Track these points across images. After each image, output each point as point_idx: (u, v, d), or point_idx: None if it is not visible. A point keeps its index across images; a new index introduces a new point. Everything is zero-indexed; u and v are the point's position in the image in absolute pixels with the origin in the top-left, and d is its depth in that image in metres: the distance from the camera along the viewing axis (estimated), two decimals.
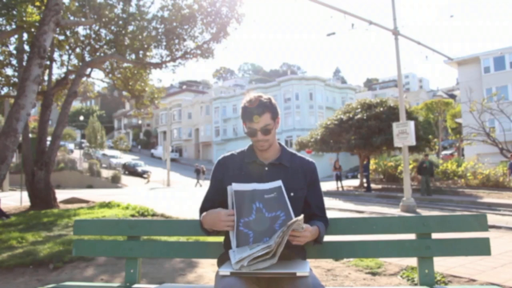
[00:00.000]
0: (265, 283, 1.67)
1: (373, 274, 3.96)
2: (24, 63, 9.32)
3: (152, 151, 56.58)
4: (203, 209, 2.04)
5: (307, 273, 1.57)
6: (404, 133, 11.90)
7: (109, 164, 37.38)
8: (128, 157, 45.95)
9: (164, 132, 57.78)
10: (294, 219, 1.64)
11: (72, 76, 12.18)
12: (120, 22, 12.58)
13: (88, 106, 70.61)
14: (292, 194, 1.87)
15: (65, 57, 13.38)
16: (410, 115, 19.42)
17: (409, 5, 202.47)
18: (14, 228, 6.88)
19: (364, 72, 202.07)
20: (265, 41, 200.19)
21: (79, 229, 2.38)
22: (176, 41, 12.58)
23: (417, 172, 17.58)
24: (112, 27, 12.78)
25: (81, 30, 13.29)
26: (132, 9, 12.81)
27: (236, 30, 12.55)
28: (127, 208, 9.29)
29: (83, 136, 47.80)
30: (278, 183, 1.83)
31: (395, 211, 11.84)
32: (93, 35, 12.98)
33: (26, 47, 11.25)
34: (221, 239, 2.06)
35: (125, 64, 13.73)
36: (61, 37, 12.25)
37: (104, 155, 41.05)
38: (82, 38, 13.17)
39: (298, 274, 1.56)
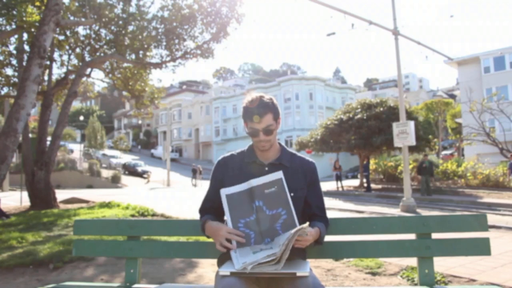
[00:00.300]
0: (265, 283, 1.67)
1: (373, 274, 3.96)
2: (24, 63, 9.32)
3: (152, 151, 56.59)
4: (203, 209, 2.04)
5: (307, 273, 1.57)
6: (404, 133, 11.90)
7: (109, 164, 37.38)
8: (128, 157, 45.95)
9: (164, 132, 57.79)
10: (299, 227, 1.61)
11: (72, 76, 12.18)
12: (120, 22, 12.58)
13: (88, 106, 70.60)
14: (292, 194, 1.88)
15: (65, 57, 13.39)
16: (410, 115, 19.42)
17: (409, 5, 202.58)
18: (14, 228, 6.88)
19: (364, 72, 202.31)
20: (265, 41, 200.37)
21: (79, 229, 2.38)
22: (176, 41, 12.58)
23: (417, 172, 17.59)
24: (112, 27, 12.78)
25: (81, 30, 13.31)
26: (132, 9, 12.82)
27: (236, 30, 12.56)
28: (127, 208, 9.29)
29: (83, 136, 47.80)
30: (279, 174, 1.81)
31: (395, 211, 11.84)
32: (93, 35, 12.98)
33: (26, 47, 11.25)
34: None
35: (125, 64, 13.73)
36: (61, 37, 12.24)
37: (104, 155, 41.05)
38: (82, 38, 13.17)
39: (298, 274, 1.56)
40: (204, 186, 26.35)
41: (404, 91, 25.55)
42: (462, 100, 27.47)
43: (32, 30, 9.52)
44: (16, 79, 12.14)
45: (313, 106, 47.08)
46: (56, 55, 12.95)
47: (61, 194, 13.91)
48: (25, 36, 11.02)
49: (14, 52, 12.12)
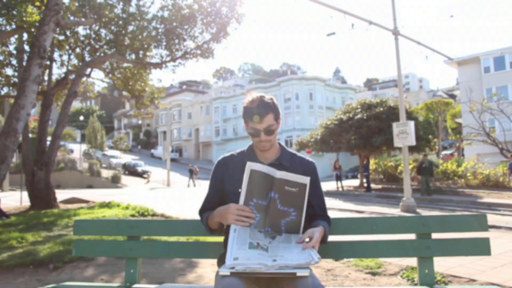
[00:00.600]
0: (265, 283, 1.67)
1: (373, 274, 3.96)
2: (24, 63, 9.32)
3: (152, 151, 56.58)
4: (203, 210, 2.04)
5: (307, 273, 1.57)
6: (404, 133, 11.90)
7: (109, 164, 37.39)
8: (128, 157, 45.96)
9: (164, 132, 57.79)
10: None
11: (72, 76, 12.18)
12: (120, 22, 12.58)
13: (88, 106, 70.61)
14: None
15: (65, 57, 13.39)
16: (410, 115, 19.42)
17: (409, 5, 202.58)
18: (14, 228, 6.88)
19: (364, 72, 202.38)
20: (265, 41, 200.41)
21: (79, 229, 2.38)
22: (176, 41, 12.58)
23: (417, 172, 17.59)
24: (112, 27, 12.78)
25: (81, 30, 13.31)
26: (132, 9, 12.82)
27: (236, 30, 12.57)
28: (127, 208, 9.29)
29: (83, 136, 47.81)
30: (307, 180, 1.78)
31: (395, 211, 11.84)
32: (93, 35, 12.98)
33: (26, 47, 11.25)
34: (221, 239, 2.06)
35: (125, 64, 13.73)
36: (61, 37, 12.24)
37: (104, 155, 41.05)
38: (82, 38, 13.17)
39: (298, 274, 1.56)
40: (201, 186, 26.40)
41: (404, 91, 25.55)
42: (462, 100, 27.47)
43: (32, 30, 9.52)
44: (16, 79, 12.14)
45: (313, 106, 47.08)
46: (56, 55, 12.97)
47: (61, 194, 13.91)
48: (25, 36, 11.02)
49: (14, 52, 12.12)
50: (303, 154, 2.12)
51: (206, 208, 2.02)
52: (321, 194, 2.03)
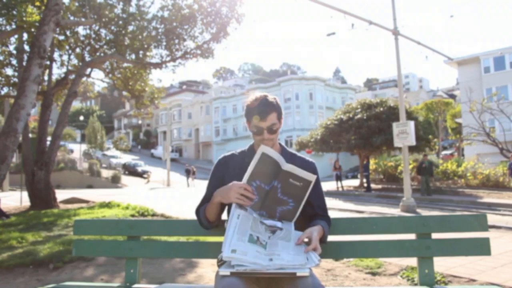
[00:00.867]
0: (265, 283, 1.67)
1: (373, 274, 3.96)
2: (24, 63, 9.32)
3: (152, 151, 56.59)
4: (200, 208, 2.05)
5: (307, 273, 1.57)
6: (404, 133, 11.90)
7: (109, 164, 37.39)
8: (128, 157, 45.96)
9: (164, 132, 57.79)
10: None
11: (72, 76, 12.18)
12: (120, 22, 12.58)
13: (88, 106, 70.62)
14: None
15: (65, 57, 13.39)
16: (410, 115, 19.42)
17: (409, 5, 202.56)
18: (14, 228, 6.88)
19: (364, 72, 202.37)
20: (265, 41, 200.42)
21: (79, 229, 2.38)
22: (176, 41, 12.58)
23: (417, 173, 17.59)
24: (112, 27, 12.78)
25: (81, 30, 13.31)
26: (132, 9, 12.82)
27: (236, 30, 12.57)
28: (127, 208, 9.29)
29: (83, 136, 47.81)
30: (312, 177, 1.78)
31: (395, 211, 11.84)
32: (93, 35, 12.98)
33: (26, 47, 11.25)
34: (221, 239, 2.06)
35: (125, 64, 13.73)
36: (61, 37, 12.24)
37: (104, 155, 41.05)
38: (82, 38, 13.17)
39: (298, 274, 1.56)
40: (198, 186, 26.37)
41: (404, 91, 25.55)
42: (462, 100, 27.47)
43: (32, 30, 9.52)
44: (16, 79, 12.14)
45: (313, 106, 47.08)
46: (56, 55, 12.97)
47: (61, 194, 13.91)
48: (25, 36, 11.02)
49: (14, 52, 12.12)
50: (303, 154, 2.12)
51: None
52: (321, 194, 2.04)
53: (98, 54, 13.04)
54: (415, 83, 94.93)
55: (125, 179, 33.31)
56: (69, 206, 11.36)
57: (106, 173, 32.41)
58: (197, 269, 4.22)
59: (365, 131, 19.52)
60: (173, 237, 4.45)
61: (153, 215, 8.58)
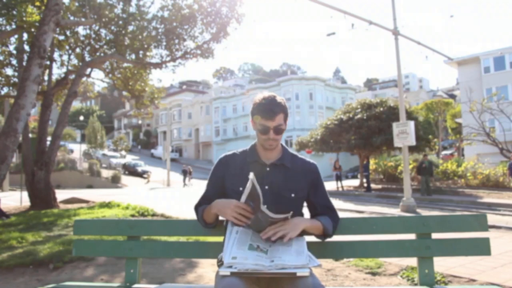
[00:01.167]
0: (265, 283, 1.67)
1: (373, 274, 3.96)
2: (24, 63, 9.31)
3: (152, 151, 56.59)
4: (199, 205, 2.05)
5: (307, 273, 1.57)
6: (404, 133, 11.90)
7: (109, 164, 37.39)
8: (128, 157, 45.96)
9: (164, 132, 57.79)
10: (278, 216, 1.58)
11: (72, 76, 12.18)
12: (120, 22, 12.58)
13: (88, 106, 70.62)
14: (292, 195, 1.89)
15: (65, 57, 13.39)
16: (410, 115, 19.42)
17: (409, 5, 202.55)
18: (14, 228, 6.88)
19: (364, 72, 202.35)
20: (265, 41, 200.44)
21: (79, 229, 2.38)
22: (176, 41, 12.58)
23: (417, 173, 17.59)
24: (112, 27, 12.77)
25: (81, 30, 13.31)
26: (132, 9, 12.82)
27: (236, 30, 12.57)
28: (127, 208, 9.29)
29: (83, 136, 47.81)
30: (288, 214, 1.75)
31: (395, 211, 11.84)
32: (93, 35, 12.98)
33: (26, 47, 11.25)
34: (221, 239, 2.06)
35: (125, 64, 13.73)
36: (61, 37, 12.24)
37: (104, 155, 41.06)
38: (82, 38, 13.17)
39: (298, 274, 1.56)
40: (195, 186, 26.38)
41: (404, 91, 25.54)
42: (462, 100, 27.46)
43: (32, 30, 9.51)
44: (16, 79, 12.13)
45: (313, 106, 47.08)
46: (56, 55, 12.97)
47: (61, 194, 13.91)
48: (25, 36, 11.01)
49: (14, 52, 12.12)
50: (303, 155, 2.12)
51: (203, 204, 2.03)
52: (325, 194, 2.03)
53: (98, 54, 13.03)
54: (415, 83, 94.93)
55: (125, 179, 33.31)
56: (69, 206, 11.36)
57: (106, 173, 32.40)
58: (197, 269, 4.22)
59: (365, 131, 19.52)
60: (173, 237, 4.45)
61: (153, 215, 8.58)
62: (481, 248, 2.05)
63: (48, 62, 11.83)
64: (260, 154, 1.99)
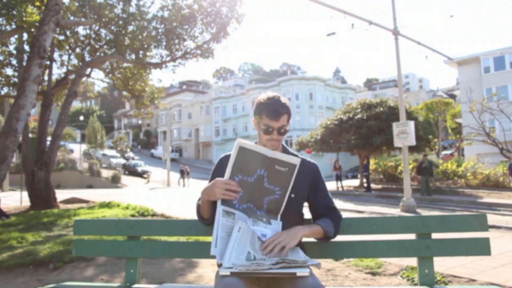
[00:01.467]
0: (265, 283, 1.67)
1: (373, 274, 3.96)
2: (24, 63, 9.32)
3: (152, 151, 56.59)
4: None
5: (307, 273, 1.57)
6: (404, 133, 11.90)
7: (109, 164, 37.39)
8: (128, 157, 45.93)
9: (164, 132, 57.79)
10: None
11: (72, 76, 12.18)
12: (120, 22, 12.58)
13: (88, 106, 70.61)
14: (293, 195, 1.88)
15: (65, 57, 13.39)
16: (410, 115, 19.42)
17: (409, 5, 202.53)
18: (14, 228, 6.88)
19: (364, 72, 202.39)
20: (265, 41, 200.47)
21: (79, 229, 2.38)
22: (176, 41, 12.58)
23: (417, 173, 17.59)
24: (112, 27, 12.77)
25: (81, 30, 13.31)
26: (132, 9, 12.82)
27: (236, 30, 12.57)
28: (127, 208, 9.29)
29: (83, 136, 47.81)
30: (297, 161, 1.79)
31: (395, 211, 11.84)
32: (93, 35, 12.98)
33: (26, 47, 11.25)
34: None
35: (125, 64, 13.73)
36: (61, 37, 12.24)
37: (104, 155, 41.06)
38: (82, 38, 13.17)
39: (298, 274, 1.55)
40: (192, 186, 26.36)
41: (404, 91, 25.55)
42: (462, 100, 27.45)
43: (32, 30, 9.51)
44: (16, 79, 12.14)
45: (313, 106, 47.09)
46: (56, 55, 12.97)
47: (61, 194, 13.91)
48: (25, 36, 11.02)
49: (14, 52, 12.12)
50: (303, 155, 2.12)
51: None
52: (326, 193, 2.03)
53: (98, 54, 13.03)
54: (415, 83, 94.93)
55: (125, 179, 33.31)
56: (69, 206, 11.36)
57: (106, 173, 32.40)
58: (197, 269, 4.22)
59: (365, 131, 19.52)
60: (173, 237, 4.45)
61: (153, 215, 8.58)
62: (481, 248, 2.05)
63: (48, 62, 11.83)
64: None
